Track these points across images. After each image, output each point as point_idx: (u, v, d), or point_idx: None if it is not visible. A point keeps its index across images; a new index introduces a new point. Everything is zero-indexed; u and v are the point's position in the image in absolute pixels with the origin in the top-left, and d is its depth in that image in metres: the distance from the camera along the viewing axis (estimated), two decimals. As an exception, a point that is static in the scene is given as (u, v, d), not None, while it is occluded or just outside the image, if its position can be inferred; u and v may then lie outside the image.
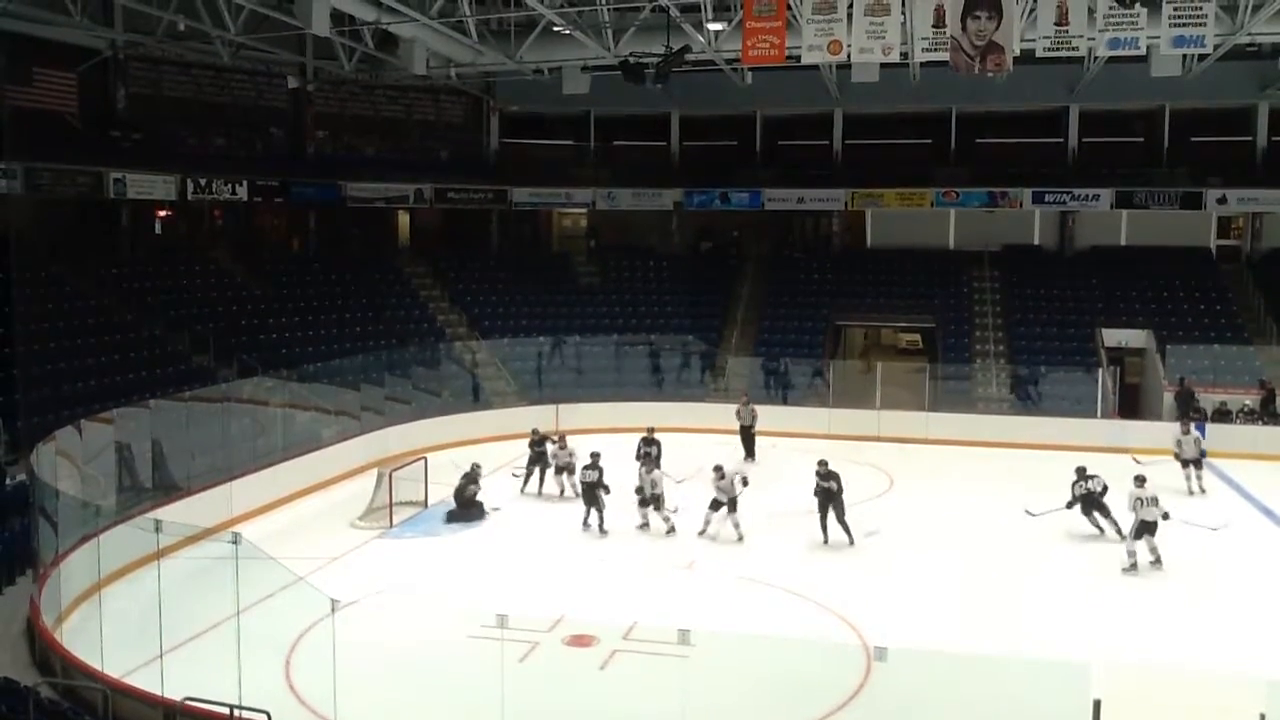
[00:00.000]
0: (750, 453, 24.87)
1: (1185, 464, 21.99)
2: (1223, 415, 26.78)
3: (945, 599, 15.85)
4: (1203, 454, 22.12)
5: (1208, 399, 27.07)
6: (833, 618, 14.92)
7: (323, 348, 27.88)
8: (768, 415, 26.18)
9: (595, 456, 19.78)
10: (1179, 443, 22.14)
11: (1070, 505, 18.64)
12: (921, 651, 13.57)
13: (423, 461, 20.91)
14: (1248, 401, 26.88)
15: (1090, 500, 18.59)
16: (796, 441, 25.75)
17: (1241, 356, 28.67)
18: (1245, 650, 13.97)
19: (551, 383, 29.48)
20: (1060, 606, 15.52)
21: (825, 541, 18.48)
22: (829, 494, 18.39)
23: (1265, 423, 26.33)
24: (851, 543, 18.33)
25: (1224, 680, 12.81)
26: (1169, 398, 27.25)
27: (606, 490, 19.41)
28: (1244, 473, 23.48)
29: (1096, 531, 18.90)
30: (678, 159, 36.36)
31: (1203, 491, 21.90)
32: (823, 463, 18.76)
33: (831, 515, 18.41)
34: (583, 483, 19.62)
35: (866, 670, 13.10)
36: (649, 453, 21.39)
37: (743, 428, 25.05)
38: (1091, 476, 18.71)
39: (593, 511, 19.30)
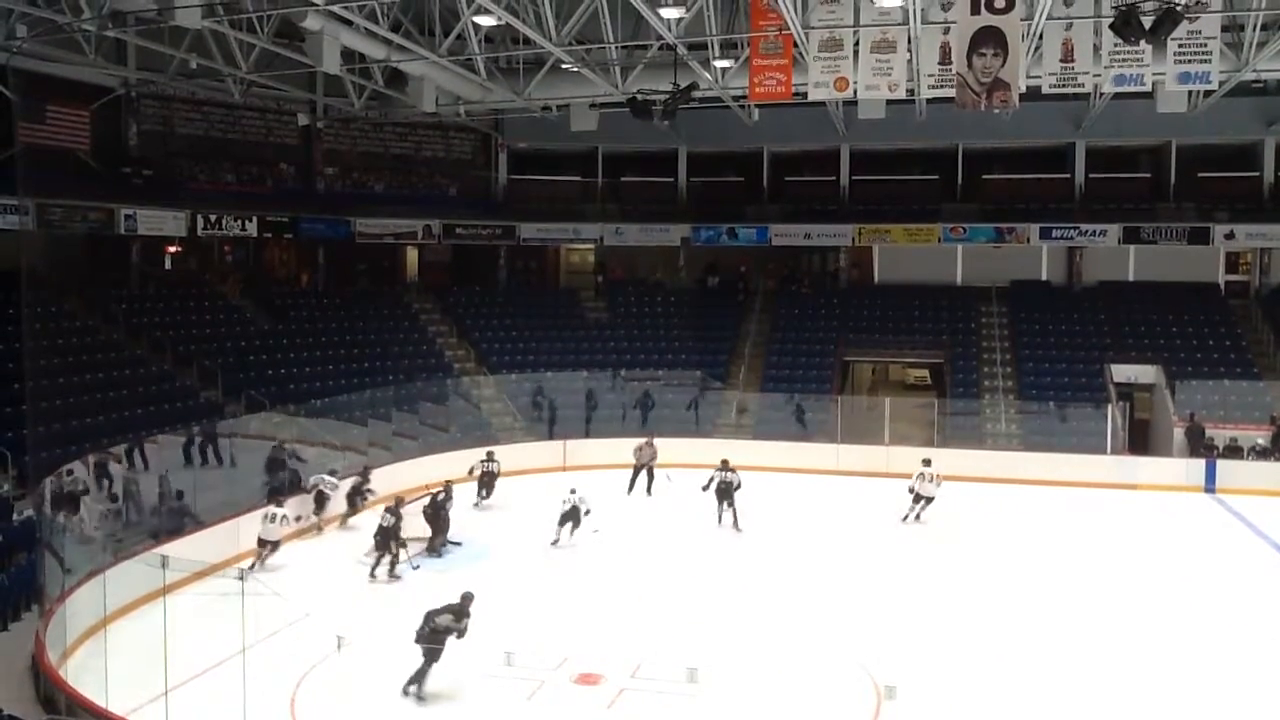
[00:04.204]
0: (637, 487, 24.50)
1: (918, 500, 22.15)
2: (1233, 451, 26.62)
3: (956, 637, 15.68)
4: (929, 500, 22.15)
5: (1218, 435, 26.93)
6: (842, 656, 14.77)
7: (330, 383, 27.91)
8: (781, 451, 26.14)
9: (398, 501, 19.19)
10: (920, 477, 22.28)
11: None
12: (932, 690, 13.48)
13: (430, 498, 20.82)
14: (1260, 439, 26.70)
15: None
16: (807, 477, 25.68)
17: (1252, 392, 28.53)
18: (1260, 696, 13.79)
19: (559, 418, 29.41)
20: (1072, 648, 15.32)
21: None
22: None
23: (1277, 459, 26.15)
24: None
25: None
26: (1179, 433, 27.11)
27: (402, 544, 18.75)
28: (1256, 510, 23.31)
29: (1112, 574, 18.83)
30: (685, 195, 36.51)
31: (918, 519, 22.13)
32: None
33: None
34: (380, 526, 18.74)
35: (877, 709, 12.99)
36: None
37: (640, 466, 24.66)
38: None
39: (383, 559, 18.56)
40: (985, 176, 35.30)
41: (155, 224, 28.43)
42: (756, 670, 14.31)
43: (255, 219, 30.63)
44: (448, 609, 13.59)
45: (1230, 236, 31.77)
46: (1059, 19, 19.40)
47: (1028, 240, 32.96)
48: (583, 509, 20.41)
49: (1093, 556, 20.06)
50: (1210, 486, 25.42)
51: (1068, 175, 34.28)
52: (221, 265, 33.64)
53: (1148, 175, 35.03)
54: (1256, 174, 33.02)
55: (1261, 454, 26.44)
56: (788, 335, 33.69)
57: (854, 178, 35.39)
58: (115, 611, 14.54)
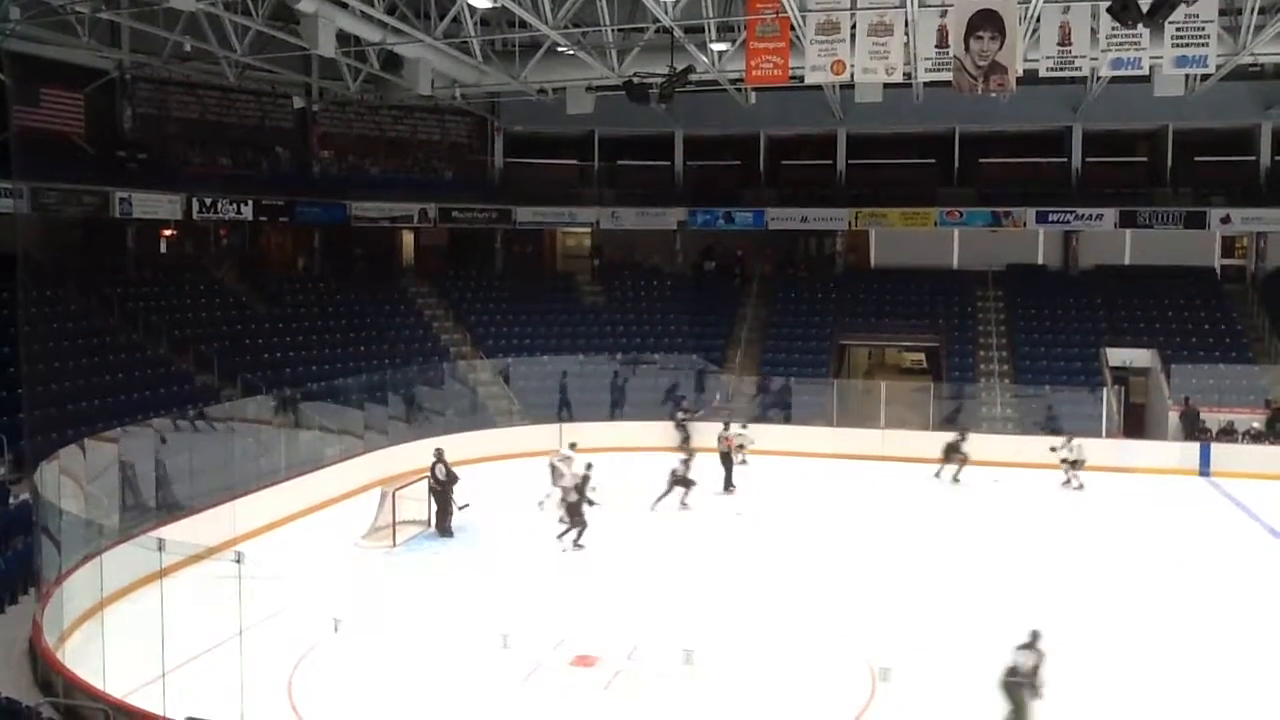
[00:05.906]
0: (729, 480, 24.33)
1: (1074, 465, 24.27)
2: (1228, 435, 26.70)
3: (950, 620, 15.73)
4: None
5: (1213, 419, 27.00)
6: (837, 638, 14.83)
7: (326, 367, 27.90)
8: (777, 435, 26.41)
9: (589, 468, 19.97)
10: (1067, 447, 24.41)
11: None
12: (926, 672, 13.53)
13: (425, 481, 20.84)
14: (1255, 423, 26.77)
15: None
16: (801, 461, 25.72)
17: (1247, 376, 28.60)
18: (1253, 676, 13.86)
19: (554, 402, 29.39)
20: (1066, 630, 15.32)
21: None
22: None
23: (1271, 443, 26.24)
24: None
25: None
26: (1174, 417, 27.18)
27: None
28: (1250, 493, 23.41)
29: (1106, 558, 18.88)
30: (682, 179, 36.45)
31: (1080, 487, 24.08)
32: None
33: None
34: (567, 501, 19.62)
35: (871, 690, 13.05)
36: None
37: (725, 455, 24.49)
38: None
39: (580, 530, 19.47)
40: (982, 160, 35.23)
41: (150, 208, 28.39)
42: (752, 653, 14.37)
43: (251, 202, 30.56)
44: (1024, 649, 11.57)
45: (1226, 221, 31.78)
46: (1056, 2, 19.37)
47: (1024, 224, 32.96)
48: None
49: (1088, 540, 20.14)
50: (1205, 470, 25.53)
51: (1064, 159, 34.24)
52: (217, 249, 33.58)
53: (1144, 159, 34.98)
54: (1253, 158, 32.98)
55: (1256, 438, 26.54)
56: (784, 319, 33.70)
57: (850, 161, 35.31)
58: (112, 594, 14.54)
